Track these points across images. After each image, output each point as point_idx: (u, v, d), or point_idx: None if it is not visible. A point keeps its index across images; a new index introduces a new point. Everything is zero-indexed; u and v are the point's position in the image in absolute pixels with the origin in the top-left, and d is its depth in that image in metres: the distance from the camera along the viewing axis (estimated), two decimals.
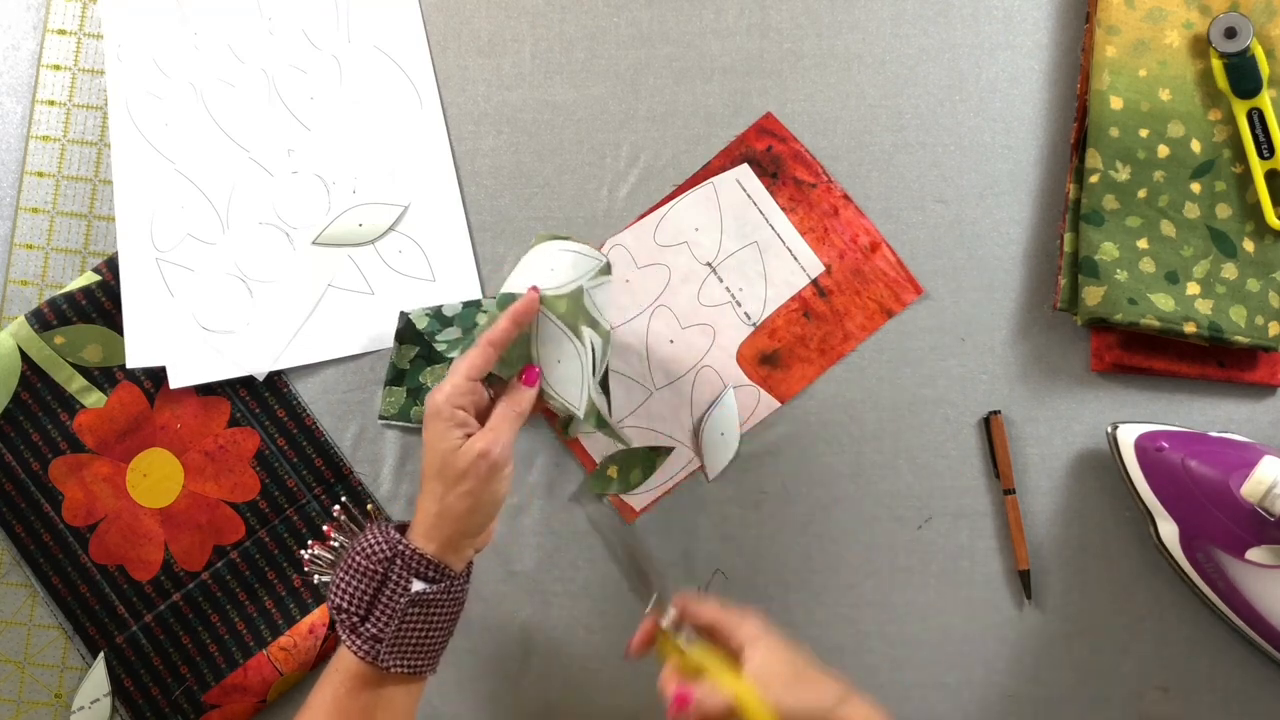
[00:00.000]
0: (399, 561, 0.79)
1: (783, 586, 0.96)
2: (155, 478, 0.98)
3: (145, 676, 0.97)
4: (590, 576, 0.97)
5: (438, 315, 0.96)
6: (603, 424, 0.90)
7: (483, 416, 0.83)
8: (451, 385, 0.81)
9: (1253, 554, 0.86)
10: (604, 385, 0.94)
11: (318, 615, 0.96)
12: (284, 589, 0.98)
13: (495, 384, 0.86)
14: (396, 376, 0.97)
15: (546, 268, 0.87)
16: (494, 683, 0.97)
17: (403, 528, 0.82)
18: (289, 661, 0.96)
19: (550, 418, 0.97)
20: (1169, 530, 0.90)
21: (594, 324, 0.88)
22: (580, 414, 0.87)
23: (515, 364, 0.85)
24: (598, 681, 0.97)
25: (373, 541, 0.80)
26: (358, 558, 0.80)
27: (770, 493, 0.97)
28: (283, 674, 0.96)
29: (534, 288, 0.85)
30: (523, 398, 0.84)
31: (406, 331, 0.97)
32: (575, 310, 0.86)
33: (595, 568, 0.97)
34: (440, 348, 0.95)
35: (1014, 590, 0.95)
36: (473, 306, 0.96)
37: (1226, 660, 0.94)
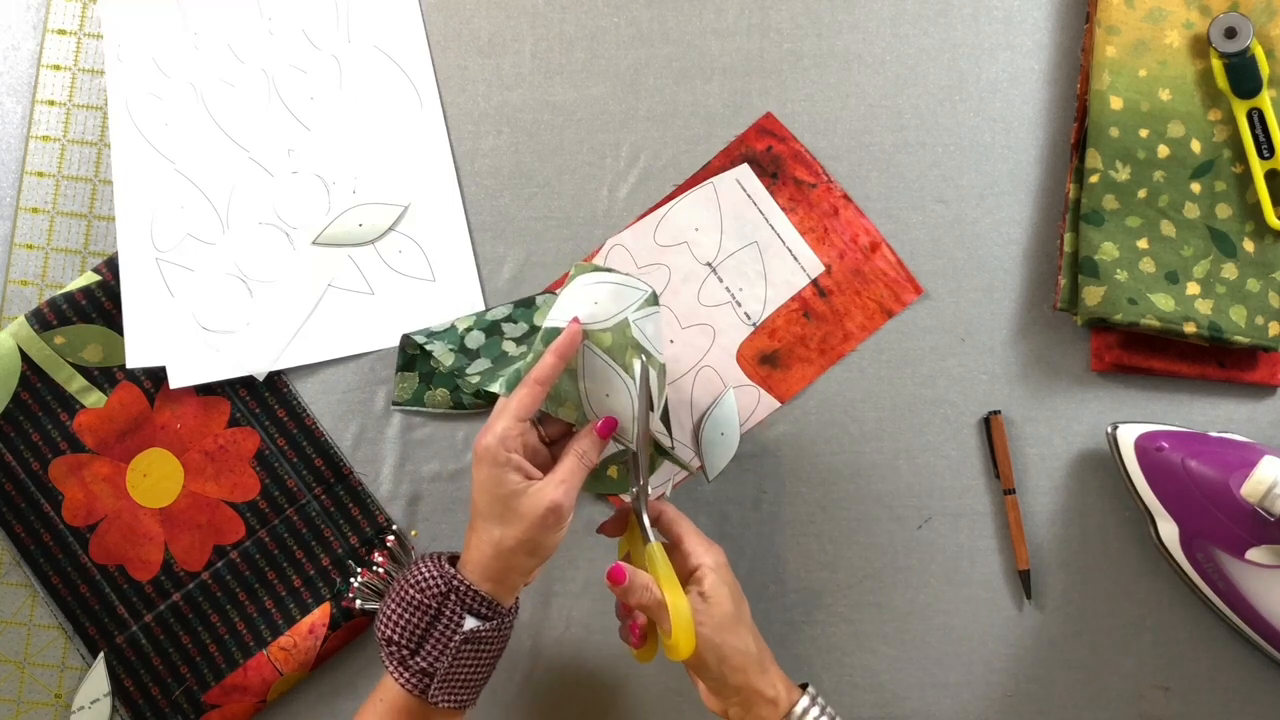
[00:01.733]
0: (454, 597, 0.79)
1: (782, 586, 0.96)
2: (155, 478, 0.98)
3: (145, 676, 0.97)
4: (590, 576, 0.97)
5: (461, 349, 0.95)
6: (663, 452, 0.90)
7: (531, 454, 0.83)
8: (502, 427, 0.80)
9: (1253, 554, 0.86)
10: (664, 418, 0.93)
11: (318, 615, 0.96)
12: (284, 589, 0.98)
13: (542, 421, 0.86)
14: (408, 362, 0.97)
15: (590, 300, 0.85)
16: (494, 682, 0.97)
17: (454, 559, 0.82)
18: (289, 661, 0.96)
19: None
20: (1169, 530, 0.90)
21: (647, 355, 0.86)
22: (634, 446, 0.85)
23: (561, 399, 0.84)
24: (598, 681, 0.97)
25: (426, 575, 0.80)
26: (410, 590, 0.80)
27: (770, 493, 0.97)
28: (283, 674, 0.96)
29: (575, 319, 0.84)
30: (595, 448, 0.83)
31: (409, 363, 0.97)
32: (622, 343, 0.85)
33: (595, 567, 0.97)
34: (474, 379, 0.93)
35: (1014, 590, 0.95)
36: (495, 335, 0.95)
37: (1226, 660, 0.94)
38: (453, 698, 0.81)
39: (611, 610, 0.96)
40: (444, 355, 0.95)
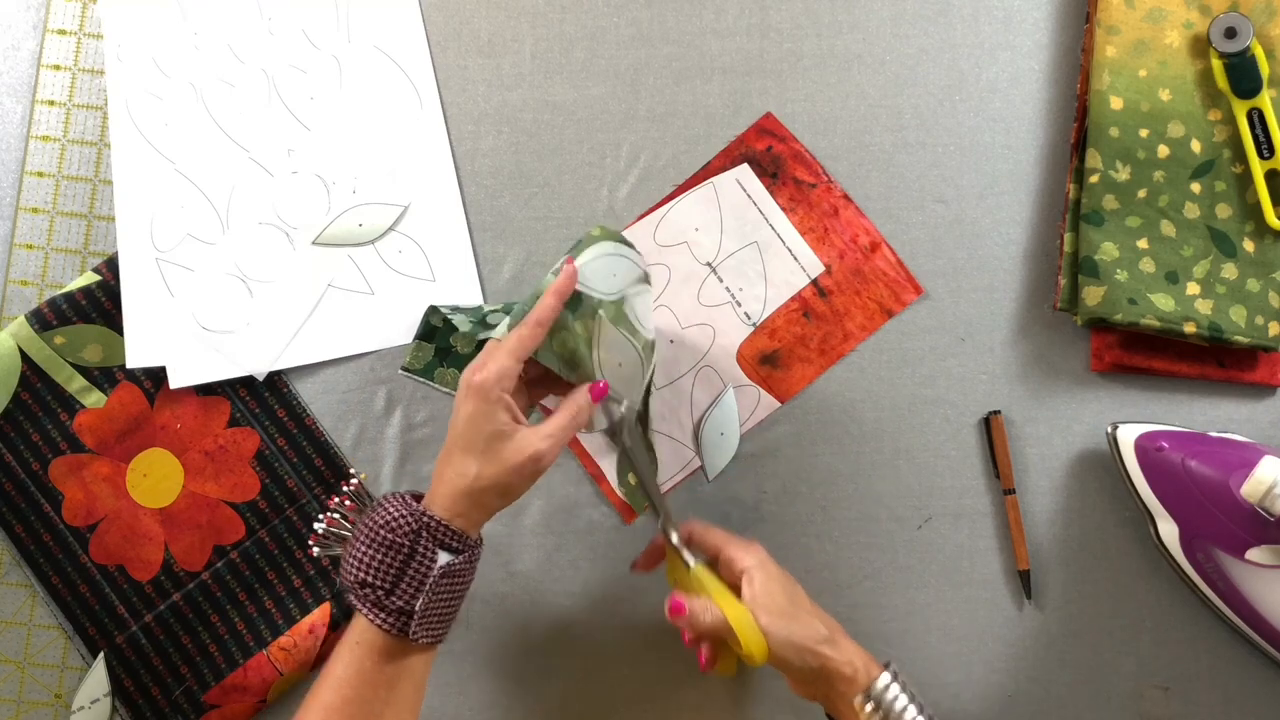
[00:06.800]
0: (425, 534, 0.79)
1: None
2: (155, 478, 0.98)
3: (145, 676, 0.97)
4: (590, 576, 0.97)
5: (481, 323, 0.94)
6: (645, 443, 0.91)
7: (514, 394, 0.82)
8: (499, 366, 0.80)
9: (1253, 554, 0.86)
10: (647, 394, 0.93)
11: (318, 615, 0.96)
12: (284, 589, 0.98)
13: (532, 372, 0.85)
14: (428, 333, 0.96)
15: (609, 273, 0.87)
16: (494, 683, 0.97)
17: (417, 497, 0.82)
18: (289, 661, 0.96)
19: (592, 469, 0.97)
20: (1169, 530, 0.90)
21: (633, 331, 0.88)
22: (638, 410, 0.86)
23: (575, 364, 0.84)
24: (598, 681, 0.97)
25: (396, 514, 0.80)
26: (381, 531, 0.79)
27: (770, 493, 0.97)
28: (283, 674, 0.96)
29: (570, 259, 0.85)
30: (585, 410, 0.84)
31: (429, 334, 0.95)
32: (619, 316, 0.86)
33: (595, 568, 0.97)
34: (489, 335, 0.92)
35: (1014, 590, 0.95)
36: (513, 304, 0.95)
37: (1226, 660, 0.94)
38: (431, 633, 0.80)
39: (611, 610, 0.97)
40: (462, 325, 0.93)
